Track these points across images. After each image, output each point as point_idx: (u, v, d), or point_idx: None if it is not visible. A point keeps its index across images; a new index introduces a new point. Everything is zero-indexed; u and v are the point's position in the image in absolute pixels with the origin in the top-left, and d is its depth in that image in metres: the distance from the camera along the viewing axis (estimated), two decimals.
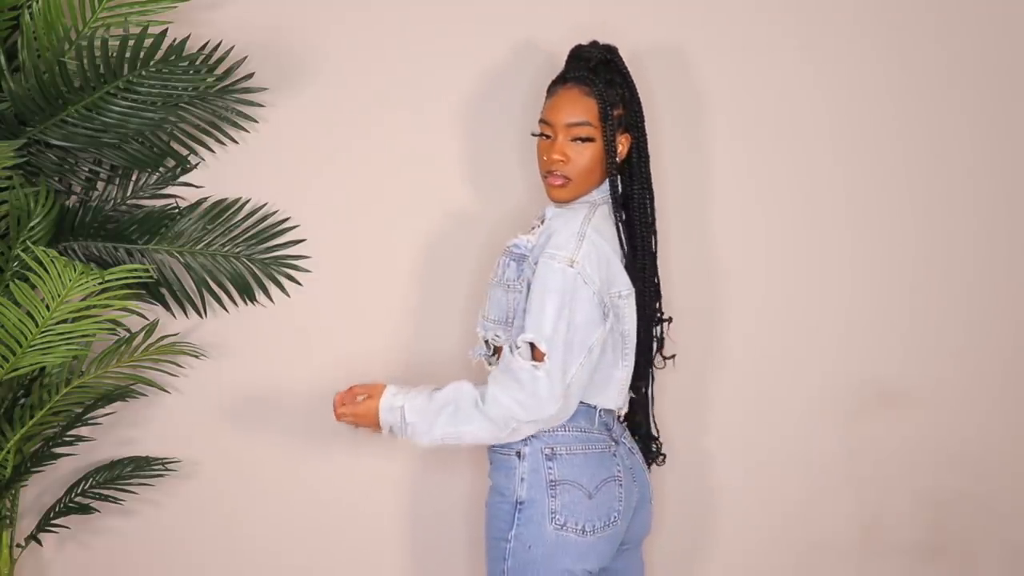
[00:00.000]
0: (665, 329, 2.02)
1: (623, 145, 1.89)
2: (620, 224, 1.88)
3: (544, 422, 1.78)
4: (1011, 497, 2.42)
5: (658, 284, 1.98)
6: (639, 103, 1.92)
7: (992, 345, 2.39)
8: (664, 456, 2.07)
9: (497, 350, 1.95)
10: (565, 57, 1.95)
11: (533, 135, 1.91)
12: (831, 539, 2.39)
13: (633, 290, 1.87)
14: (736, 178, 2.31)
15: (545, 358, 1.75)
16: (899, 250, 2.36)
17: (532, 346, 1.77)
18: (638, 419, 2.03)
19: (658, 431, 2.06)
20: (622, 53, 1.95)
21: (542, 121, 1.89)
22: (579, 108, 1.85)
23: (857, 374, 2.37)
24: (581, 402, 1.84)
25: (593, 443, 1.86)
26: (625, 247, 1.87)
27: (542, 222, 1.88)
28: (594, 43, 1.94)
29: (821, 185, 2.33)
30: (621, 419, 1.97)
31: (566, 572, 1.80)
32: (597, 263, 1.79)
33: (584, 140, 1.84)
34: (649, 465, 2.03)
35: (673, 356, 2.09)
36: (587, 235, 1.79)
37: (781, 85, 2.30)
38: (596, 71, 1.87)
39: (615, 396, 1.89)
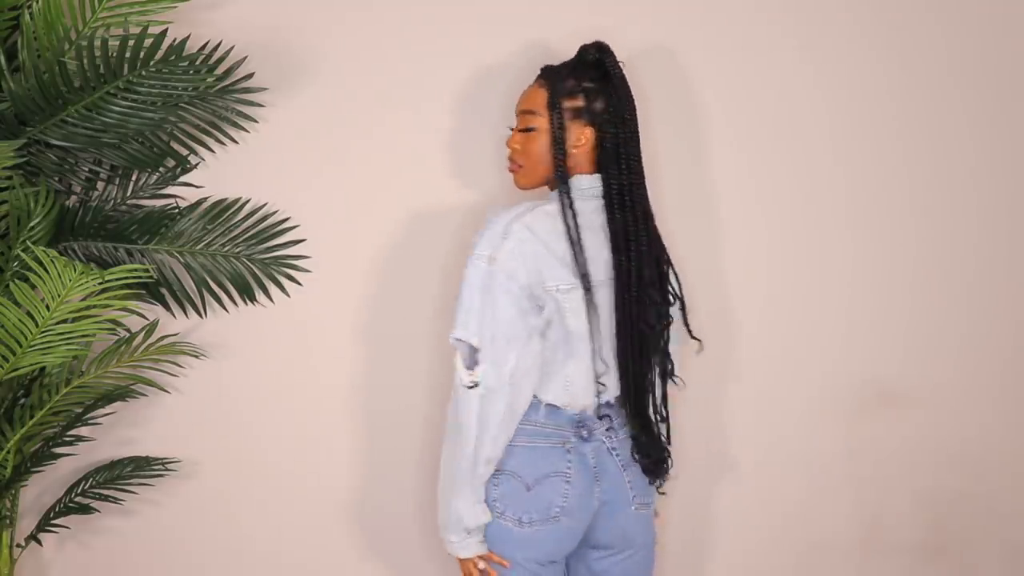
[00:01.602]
0: (680, 317, 2.03)
1: (583, 137, 1.90)
2: (573, 219, 1.87)
3: (499, 416, 1.82)
4: (1011, 497, 2.43)
5: (653, 274, 1.95)
6: (621, 99, 1.90)
7: (992, 345, 2.39)
8: (666, 468, 2.00)
9: None
10: (565, 58, 1.96)
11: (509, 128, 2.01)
12: (831, 539, 2.39)
13: (577, 284, 1.86)
14: (736, 178, 2.31)
15: (479, 355, 1.81)
16: (899, 250, 2.36)
17: (468, 345, 1.82)
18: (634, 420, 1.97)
19: (664, 440, 2.02)
20: (623, 54, 1.95)
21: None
22: (529, 99, 1.93)
23: (857, 374, 2.37)
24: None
25: (540, 437, 1.88)
26: (575, 239, 1.86)
27: None
28: (591, 43, 1.95)
29: (821, 185, 2.33)
30: (600, 415, 1.94)
31: (509, 559, 1.86)
32: (523, 258, 1.82)
33: (529, 129, 1.91)
34: (651, 477, 1.98)
35: (701, 346, 2.13)
36: (513, 232, 1.83)
37: (781, 85, 2.30)
38: (566, 66, 1.93)
39: (561, 392, 1.89)
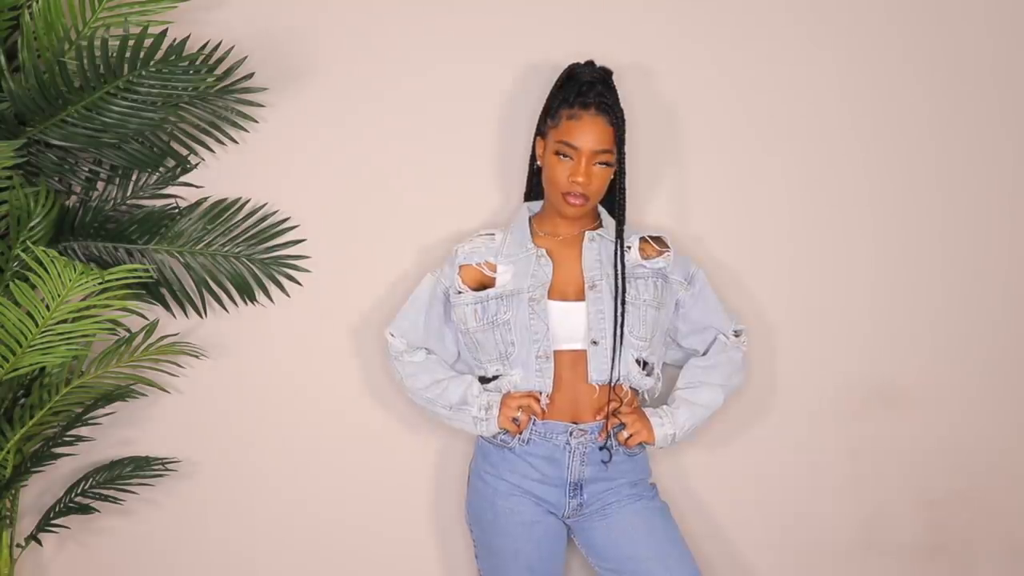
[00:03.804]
0: None
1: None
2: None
3: None
4: (1011, 497, 2.42)
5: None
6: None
7: (992, 345, 2.39)
8: None
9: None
10: (563, 57, 1.97)
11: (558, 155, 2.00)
12: (831, 539, 2.39)
13: None
14: (736, 179, 2.31)
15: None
16: (899, 250, 2.35)
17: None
18: None
19: None
20: (618, 59, 1.99)
21: (566, 143, 1.98)
22: (606, 137, 1.98)
23: (857, 374, 2.37)
24: None
25: None
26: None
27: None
28: (591, 63, 2.04)
29: (818, 186, 2.33)
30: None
31: None
32: None
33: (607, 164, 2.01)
34: None
35: None
36: None
37: (782, 85, 2.30)
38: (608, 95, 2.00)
39: None
